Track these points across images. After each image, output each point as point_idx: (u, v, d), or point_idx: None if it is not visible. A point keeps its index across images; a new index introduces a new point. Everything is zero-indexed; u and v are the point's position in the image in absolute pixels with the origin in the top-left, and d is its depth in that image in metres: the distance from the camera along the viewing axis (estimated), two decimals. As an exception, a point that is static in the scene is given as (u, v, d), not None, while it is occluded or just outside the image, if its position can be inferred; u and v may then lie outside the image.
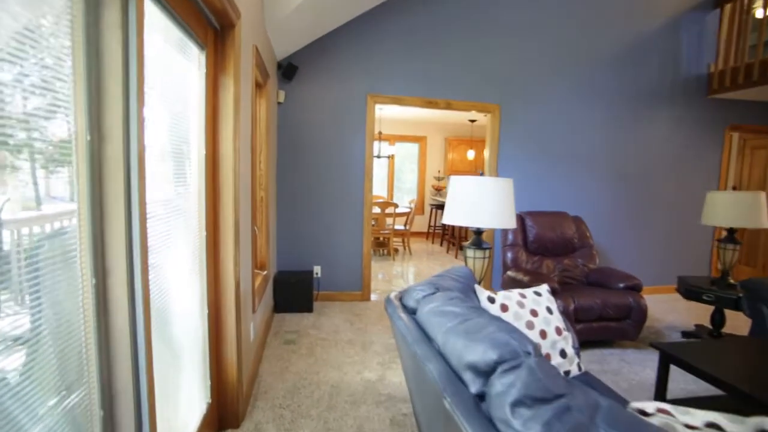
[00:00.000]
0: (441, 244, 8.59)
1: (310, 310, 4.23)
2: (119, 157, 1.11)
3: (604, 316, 3.43)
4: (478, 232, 2.83)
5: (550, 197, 4.97)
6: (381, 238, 7.31)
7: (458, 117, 8.38)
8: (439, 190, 9.32)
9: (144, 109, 1.17)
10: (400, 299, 1.96)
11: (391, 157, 9.01)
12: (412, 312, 1.78)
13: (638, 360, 3.38)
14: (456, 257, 7.36)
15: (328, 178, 4.46)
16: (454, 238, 7.98)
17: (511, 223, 2.65)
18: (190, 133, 1.82)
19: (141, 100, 1.15)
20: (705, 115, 5.24)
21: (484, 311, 1.48)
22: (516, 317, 2.05)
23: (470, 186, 2.62)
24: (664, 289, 5.35)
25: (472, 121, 8.54)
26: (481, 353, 1.18)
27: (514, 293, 2.17)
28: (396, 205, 6.94)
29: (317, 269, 4.54)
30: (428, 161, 9.47)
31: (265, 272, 3.49)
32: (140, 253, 1.17)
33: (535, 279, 3.53)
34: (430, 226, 9.25)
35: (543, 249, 4.10)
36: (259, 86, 3.43)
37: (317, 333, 3.70)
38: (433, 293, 1.74)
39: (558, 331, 2.10)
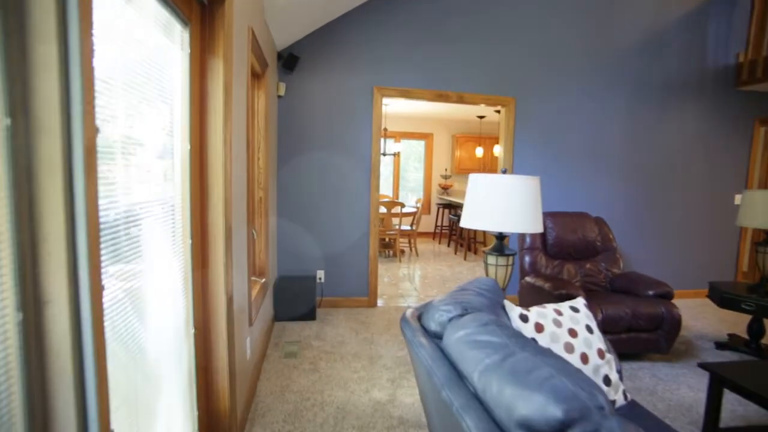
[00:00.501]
0: (448, 245, 8.30)
1: (312, 317, 3.95)
2: (57, 148, 0.82)
3: (633, 326, 3.13)
4: (501, 236, 2.54)
5: (568, 197, 4.66)
6: (387, 239, 7.02)
7: (466, 113, 8.08)
8: (446, 189, 9.03)
9: (94, 88, 0.89)
10: (419, 318, 1.68)
11: (396, 155, 8.72)
12: (435, 336, 1.49)
13: (672, 376, 3.08)
14: (465, 259, 7.06)
15: (332, 177, 4.18)
16: (462, 239, 7.69)
17: (538, 227, 2.36)
18: (173, 123, 1.54)
19: (89, 75, 0.87)
20: (732, 109, 4.93)
21: (527, 341, 1.20)
22: (553, 338, 1.76)
23: (492, 185, 2.34)
24: (687, 294, 5.05)
25: (481, 117, 8.23)
26: (538, 407, 0.89)
27: (549, 310, 1.88)
28: (402, 205, 6.65)
29: (320, 274, 4.26)
30: (435, 159, 9.17)
31: (263, 280, 3.21)
32: (89, 273, 0.89)
33: (556, 285, 3.24)
34: (436, 226, 8.95)
35: (564, 253, 3.80)
36: (256, 76, 3.15)
37: (321, 344, 3.42)
38: (461, 315, 1.46)
39: (600, 353, 1.81)
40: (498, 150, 7.83)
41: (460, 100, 4.30)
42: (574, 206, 4.67)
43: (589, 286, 3.74)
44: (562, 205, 4.64)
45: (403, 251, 7.47)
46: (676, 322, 3.15)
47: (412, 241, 7.54)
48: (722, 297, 3.45)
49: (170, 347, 1.51)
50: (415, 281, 5.60)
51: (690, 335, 3.89)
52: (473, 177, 2.47)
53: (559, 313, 1.89)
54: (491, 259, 2.51)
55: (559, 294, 3.17)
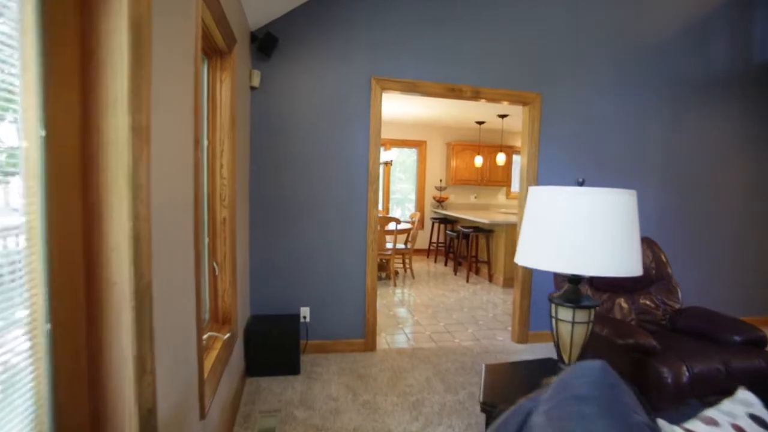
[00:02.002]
0: (446, 264, 7.50)
1: (296, 371, 3.07)
2: None
3: (727, 388, 2.36)
4: (575, 279, 1.74)
5: None
6: (380, 260, 6.19)
7: (463, 119, 7.36)
8: (441, 202, 8.26)
9: None
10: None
11: (387, 164, 7.93)
12: None
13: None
14: (467, 281, 6.27)
15: (319, 190, 3.34)
16: (462, 258, 6.91)
17: (636, 267, 1.57)
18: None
19: None
20: (780, 110, 4.30)
21: None
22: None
23: (566, 205, 1.56)
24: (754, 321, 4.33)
25: (480, 123, 7.52)
26: None
27: (725, 424, 1.07)
28: (398, 221, 5.83)
29: (305, 311, 3.39)
30: (428, 169, 8.41)
31: (227, 336, 2.32)
32: None
33: (620, 331, 2.46)
34: (431, 242, 8.16)
35: (612, 283, 3.04)
36: (218, 53, 2.31)
37: (307, 416, 2.54)
38: None
39: None
40: (516, 158, 7.16)
41: (476, 95, 3.53)
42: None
43: (646, 325, 2.97)
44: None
45: (397, 272, 6.63)
46: (778, 380, 2.40)
47: (407, 260, 6.72)
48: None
49: None
50: (415, 310, 4.76)
51: None
52: (535, 192, 1.68)
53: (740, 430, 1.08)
54: (564, 313, 1.70)
55: (626, 344, 2.39)
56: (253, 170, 3.21)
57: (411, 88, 3.40)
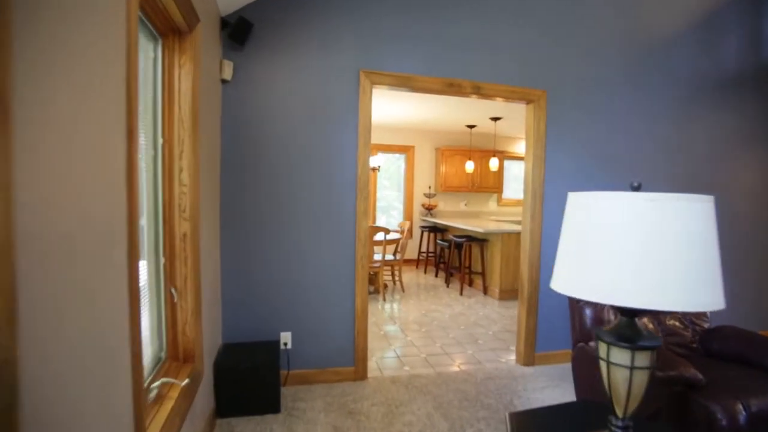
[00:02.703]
0: (436, 275, 7.12)
1: (275, 408, 2.63)
2: None
3: (786, 428, 2.01)
4: (631, 312, 1.37)
5: None
6: (369, 273, 5.76)
7: (454, 122, 7.03)
8: (430, 209, 7.89)
9: None
10: None
11: (374, 170, 7.54)
12: None
13: None
14: (461, 293, 5.89)
15: (301, 198, 2.92)
16: (455, 268, 6.54)
17: (717, 300, 1.19)
18: None
19: None
20: (792, 111, 4.06)
21: None
22: None
23: (619, 216, 1.20)
24: None
25: (471, 126, 7.20)
26: None
27: None
28: (387, 231, 5.44)
29: (286, 337, 2.96)
30: (416, 175, 8.05)
31: (184, 382, 1.87)
32: None
33: (660, 362, 2.09)
34: (420, 252, 7.78)
35: (636, 302, 2.68)
36: (176, 33, 1.89)
37: (288, 471, 2.10)
38: None
39: None
40: (509, 163, 6.91)
41: (477, 91, 3.18)
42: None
43: (675, 349, 2.62)
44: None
45: (386, 285, 6.22)
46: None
47: (397, 272, 6.32)
48: None
49: None
50: (407, 329, 4.35)
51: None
52: (578, 199, 1.31)
53: None
54: (619, 356, 1.32)
55: (668, 377, 2.02)
56: (224, 176, 2.77)
57: (405, 82, 3.03)
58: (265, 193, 2.84)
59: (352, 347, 3.07)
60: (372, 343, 3.92)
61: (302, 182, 2.90)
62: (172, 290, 1.95)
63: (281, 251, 2.88)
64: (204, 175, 2.23)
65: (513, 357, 3.67)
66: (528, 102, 3.37)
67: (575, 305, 2.63)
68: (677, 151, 3.72)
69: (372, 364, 3.42)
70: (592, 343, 2.54)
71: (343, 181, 2.97)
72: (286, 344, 2.96)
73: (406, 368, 3.38)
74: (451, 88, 3.12)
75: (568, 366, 3.47)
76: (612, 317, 2.61)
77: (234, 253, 2.81)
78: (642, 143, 3.62)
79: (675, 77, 3.67)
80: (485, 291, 5.92)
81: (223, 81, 2.73)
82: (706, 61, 3.75)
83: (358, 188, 2.99)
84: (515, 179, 8.63)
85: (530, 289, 3.40)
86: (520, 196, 8.71)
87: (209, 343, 2.39)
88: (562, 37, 3.35)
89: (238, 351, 2.68)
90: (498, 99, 3.27)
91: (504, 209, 8.49)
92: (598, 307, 2.62)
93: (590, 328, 2.59)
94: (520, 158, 8.58)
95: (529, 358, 3.46)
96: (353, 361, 3.08)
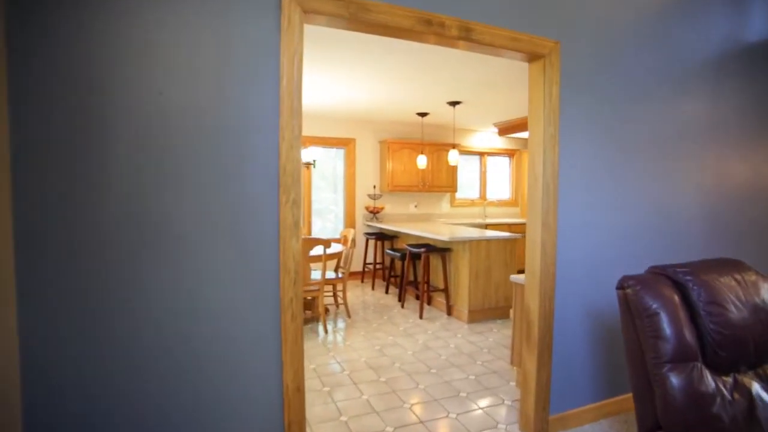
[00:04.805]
0: (387, 291, 5.98)
1: None
2: None
3: None
4: None
5: (661, 222, 2.68)
6: (304, 297, 4.50)
7: (402, 109, 5.94)
8: (376, 213, 6.76)
9: None
10: None
11: (308, 166, 6.26)
12: None
13: None
14: (421, 317, 4.79)
15: (178, 207, 1.62)
16: (411, 283, 5.46)
17: None
18: None
19: None
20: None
21: None
22: None
23: None
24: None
25: (422, 114, 6.15)
26: None
27: None
28: (327, 243, 4.22)
29: (160, 455, 1.64)
30: (359, 173, 6.87)
31: None
32: None
33: None
34: (366, 263, 6.61)
35: (737, 357, 1.70)
36: None
37: None
38: None
39: None
40: (467, 158, 6.01)
41: (466, 35, 2.07)
42: (674, 239, 2.67)
43: (793, 428, 1.67)
44: (655, 240, 2.61)
45: (327, 310, 4.98)
46: None
47: (341, 291, 5.11)
48: None
49: None
50: (361, 378, 3.16)
51: None
52: None
53: None
54: None
55: None
56: (20, 187, 1.41)
57: (357, 14, 1.84)
58: (111, 203, 1.52)
59: (280, 454, 1.82)
60: (312, 409, 2.70)
61: (179, 182, 1.61)
62: None
63: (135, 298, 1.57)
64: None
65: (514, 416, 2.62)
66: (533, 58, 2.32)
67: (661, 374, 1.58)
68: (720, 130, 2.88)
69: (314, 459, 2.20)
70: (687, 438, 1.51)
71: (257, 175, 1.72)
72: (159, 467, 1.64)
73: (368, 463, 2.19)
74: (429, 29, 1.98)
75: (592, 429, 2.48)
76: (711, 385, 1.60)
77: (41, 309, 1.46)
78: (675, 121, 2.72)
79: (713, 41, 2.82)
80: (449, 311, 4.88)
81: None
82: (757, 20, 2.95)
83: (283, 186, 1.75)
84: (468, 178, 7.74)
85: (543, 328, 2.36)
86: (474, 195, 7.83)
87: None
88: (578, -33, 2.35)
89: None
90: (495, 49, 2.19)
91: (458, 211, 7.55)
92: (686, 372, 1.59)
93: (681, 406, 1.56)
94: (476, 153, 7.70)
95: (540, 423, 2.42)
96: (283, 476, 1.83)
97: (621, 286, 1.75)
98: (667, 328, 1.58)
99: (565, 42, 2.32)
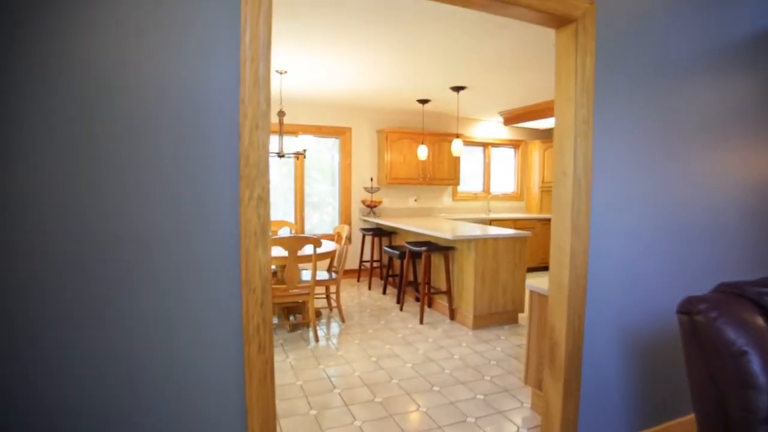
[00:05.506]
0: (384, 291, 5.58)
1: None
2: None
3: None
4: None
5: (716, 223, 2.27)
6: (293, 302, 4.11)
7: (402, 96, 5.50)
8: (373, 208, 6.34)
9: None
10: None
11: (299, 156, 5.83)
12: None
13: None
14: (421, 322, 4.40)
15: (97, 212, 1.20)
16: (411, 284, 5.06)
17: None
18: None
19: None
20: None
21: None
22: None
23: None
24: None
25: (423, 101, 5.70)
26: None
27: None
28: (317, 242, 3.81)
29: None
30: (355, 165, 6.44)
31: None
32: None
33: None
34: (362, 261, 6.21)
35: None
36: None
37: None
38: None
39: None
40: (471, 149, 5.61)
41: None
42: (727, 246, 2.26)
43: None
44: (707, 249, 2.20)
45: (319, 314, 4.58)
46: None
47: (335, 292, 4.70)
48: None
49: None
50: (354, 398, 2.77)
51: None
52: None
53: None
54: None
55: None
56: None
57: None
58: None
59: None
60: (296, 442, 2.30)
61: (98, 175, 1.19)
62: None
63: (45, 342, 1.16)
64: None
65: (531, 454, 2.23)
66: (563, 22, 1.89)
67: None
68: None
69: None
70: None
71: (208, 165, 1.30)
72: None
73: None
74: (438, -21, 1.56)
75: (626, 471, 2.09)
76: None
77: None
78: (724, 102, 2.30)
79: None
80: (452, 316, 4.48)
81: None
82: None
83: (245, 179, 1.33)
84: (470, 170, 7.32)
85: (570, 352, 1.95)
86: (478, 189, 7.41)
87: None
88: None
89: None
90: (520, 8, 1.76)
91: (460, 205, 7.14)
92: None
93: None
94: (479, 144, 7.27)
95: (564, 463, 2.02)
96: None
97: (687, 310, 1.34)
98: (761, 375, 1.17)
99: (601, 3, 1.89)
